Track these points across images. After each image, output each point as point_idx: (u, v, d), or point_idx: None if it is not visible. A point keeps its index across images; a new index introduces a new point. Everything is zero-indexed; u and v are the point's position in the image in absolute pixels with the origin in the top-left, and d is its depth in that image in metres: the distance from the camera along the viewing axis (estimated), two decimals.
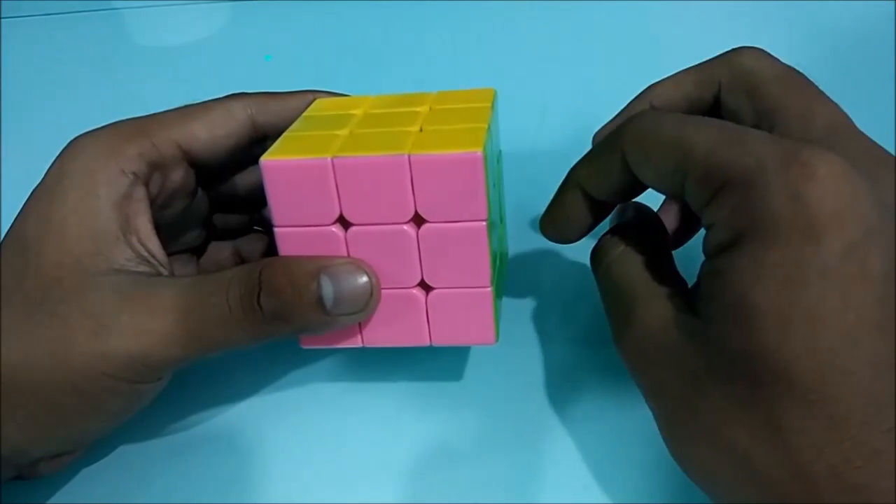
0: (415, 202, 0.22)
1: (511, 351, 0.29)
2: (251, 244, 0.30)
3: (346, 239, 0.22)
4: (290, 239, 0.22)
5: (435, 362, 0.29)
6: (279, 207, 0.22)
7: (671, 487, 0.25)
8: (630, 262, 0.22)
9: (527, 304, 0.31)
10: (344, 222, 0.22)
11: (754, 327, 0.17)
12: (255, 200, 0.29)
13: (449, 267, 0.22)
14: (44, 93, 0.44)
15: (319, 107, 0.26)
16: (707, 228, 0.19)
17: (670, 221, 0.28)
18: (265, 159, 0.21)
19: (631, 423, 0.27)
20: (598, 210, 0.23)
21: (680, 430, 0.19)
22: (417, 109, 0.25)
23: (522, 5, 0.47)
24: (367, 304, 0.22)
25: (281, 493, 0.26)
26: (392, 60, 0.45)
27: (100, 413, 0.23)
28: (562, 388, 0.28)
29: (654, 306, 0.20)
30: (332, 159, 0.21)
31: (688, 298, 0.20)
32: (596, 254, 0.24)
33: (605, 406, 0.27)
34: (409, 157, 0.21)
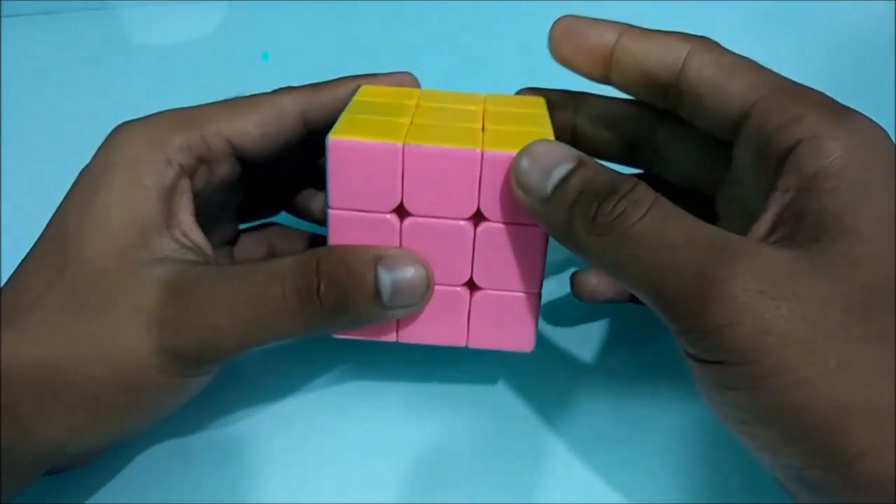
0: (479, 199, 0.21)
1: (509, 353, 0.29)
2: (279, 236, 0.30)
3: (400, 229, 0.22)
4: (343, 223, 0.22)
5: (435, 365, 0.29)
6: (338, 189, 0.21)
7: (671, 488, 0.25)
8: (675, 209, 0.19)
9: None
10: (401, 211, 0.22)
11: None
12: (288, 191, 0.29)
13: (501, 268, 0.22)
14: (43, 92, 0.44)
15: (368, 93, 0.25)
16: (797, 143, 0.19)
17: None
18: (333, 137, 0.21)
19: (630, 423, 0.27)
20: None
21: (846, 376, 0.16)
22: (472, 108, 0.24)
23: (525, 5, 0.47)
24: (422, 297, 0.22)
25: (280, 495, 0.26)
26: (391, 60, 0.45)
27: (145, 408, 0.22)
28: (561, 389, 0.28)
29: (761, 243, 0.18)
30: (403, 145, 0.21)
31: (785, 234, 0.18)
32: (622, 190, 0.19)
33: (605, 406, 0.27)
34: (482, 152, 0.21)
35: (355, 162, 0.21)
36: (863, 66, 0.41)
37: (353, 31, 0.47)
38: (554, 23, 0.24)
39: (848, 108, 0.19)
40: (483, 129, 0.22)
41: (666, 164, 0.25)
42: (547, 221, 0.20)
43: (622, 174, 0.19)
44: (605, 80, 0.24)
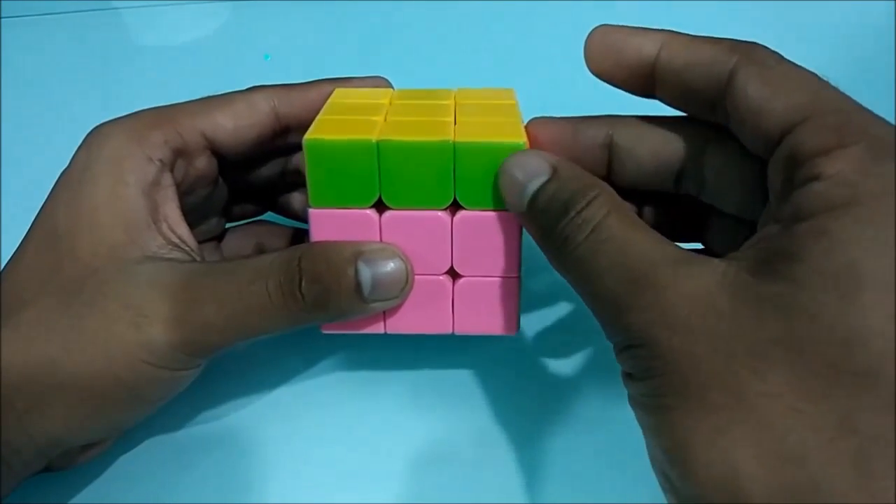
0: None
1: (507, 348, 0.29)
2: (267, 232, 0.30)
3: (380, 223, 0.22)
4: (324, 220, 0.22)
5: (435, 361, 0.29)
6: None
7: None
8: (632, 221, 0.19)
9: (526, 299, 0.31)
10: (380, 206, 0.22)
11: (863, 303, 0.15)
12: (273, 190, 0.30)
13: (480, 255, 0.23)
14: (44, 93, 0.44)
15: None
16: (814, 179, 0.16)
17: None
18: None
19: (632, 420, 0.27)
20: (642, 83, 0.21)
21: (706, 415, 0.16)
22: (444, 102, 0.25)
23: (526, 5, 0.47)
24: (402, 290, 0.23)
25: (280, 494, 0.26)
26: (391, 60, 0.45)
27: (139, 401, 0.23)
28: (562, 386, 0.28)
29: (692, 268, 0.17)
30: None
31: (735, 263, 0.17)
32: (575, 209, 0.19)
33: (607, 403, 0.27)
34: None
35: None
36: (863, 66, 0.41)
37: (354, 31, 0.47)
38: (589, 34, 0.22)
39: (889, 153, 0.16)
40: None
41: (716, 195, 0.23)
42: (528, 232, 0.21)
43: (591, 185, 0.19)
44: (649, 95, 0.22)
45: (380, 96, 0.25)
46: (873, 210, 0.15)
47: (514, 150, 0.21)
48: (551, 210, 0.20)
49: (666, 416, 0.17)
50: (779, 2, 0.46)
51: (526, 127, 0.23)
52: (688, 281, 0.17)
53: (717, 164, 0.22)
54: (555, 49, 0.44)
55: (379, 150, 0.21)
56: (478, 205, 0.22)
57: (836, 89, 0.18)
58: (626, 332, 0.18)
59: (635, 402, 0.18)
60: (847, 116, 0.17)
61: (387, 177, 0.22)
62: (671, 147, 0.22)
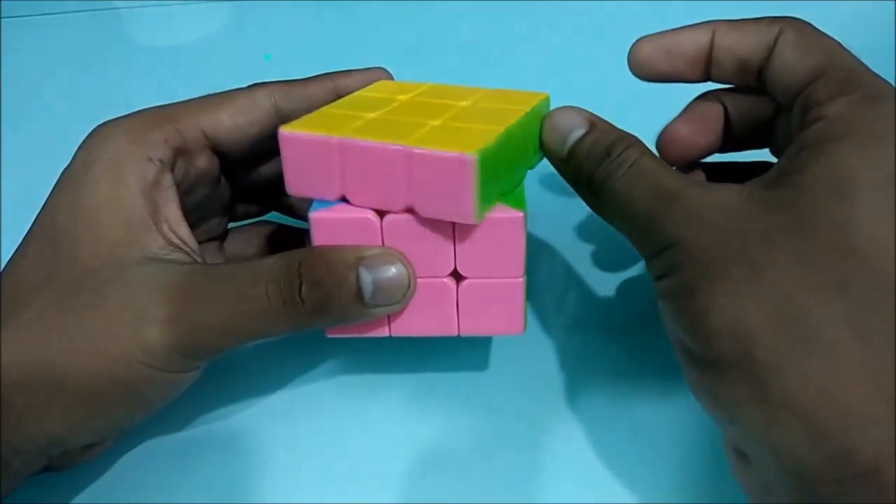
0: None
1: (509, 349, 0.29)
2: (271, 233, 0.30)
3: (381, 227, 0.22)
4: (326, 226, 0.22)
5: (437, 362, 0.29)
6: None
7: (674, 487, 0.25)
8: (662, 162, 0.22)
9: (530, 298, 0.31)
10: (381, 210, 0.22)
11: (854, 198, 0.18)
12: (276, 189, 0.29)
13: (483, 257, 0.22)
14: (44, 93, 0.44)
15: (378, 89, 0.26)
16: (818, 119, 0.20)
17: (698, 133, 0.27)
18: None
19: (632, 419, 0.27)
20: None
21: (723, 285, 0.19)
22: (462, 104, 0.25)
23: (527, 5, 0.47)
24: (404, 295, 0.22)
25: (281, 495, 0.26)
26: (391, 60, 0.45)
27: (138, 402, 0.23)
28: (566, 386, 0.28)
29: (715, 188, 0.21)
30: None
31: (749, 185, 0.21)
32: (616, 152, 0.22)
33: (609, 403, 0.27)
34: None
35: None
36: None
37: (354, 31, 0.47)
38: (634, 46, 0.25)
39: (886, 99, 0.20)
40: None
41: (777, 150, 0.26)
42: (563, 177, 0.24)
43: (626, 136, 0.22)
44: (704, 79, 0.25)
45: (406, 90, 0.25)
46: (863, 138, 0.19)
47: (547, 103, 0.25)
48: (593, 155, 0.22)
49: (690, 296, 0.20)
50: (779, 2, 0.46)
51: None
52: (711, 195, 0.20)
53: (778, 122, 0.25)
54: (554, 48, 0.44)
55: (504, 140, 0.21)
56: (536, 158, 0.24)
57: (852, 55, 0.22)
58: (659, 237, 0.21)
59: (663, 296, 0.21)
60: (854, 74, 0.21)
61: (507, 163, 0.22)
62: (755, 110, 0.26)
